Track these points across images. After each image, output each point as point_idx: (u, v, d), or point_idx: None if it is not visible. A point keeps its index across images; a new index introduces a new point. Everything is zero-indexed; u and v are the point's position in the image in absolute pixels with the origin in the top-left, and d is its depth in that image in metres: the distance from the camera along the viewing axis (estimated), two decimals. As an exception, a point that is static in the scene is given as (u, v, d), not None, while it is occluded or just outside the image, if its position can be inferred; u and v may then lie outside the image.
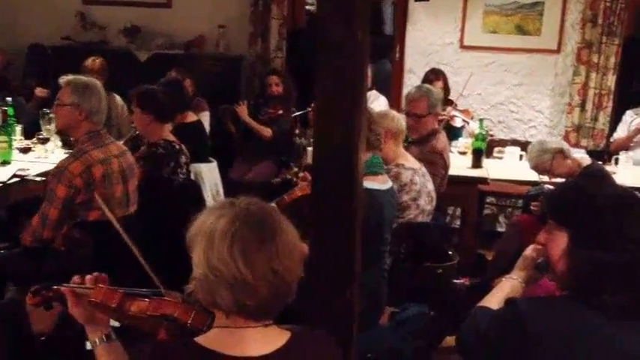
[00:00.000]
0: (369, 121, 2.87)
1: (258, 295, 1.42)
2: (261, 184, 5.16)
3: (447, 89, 5.57)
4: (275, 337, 1.48)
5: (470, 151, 5.01)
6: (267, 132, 5.55)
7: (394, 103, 5.83)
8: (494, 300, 1.95)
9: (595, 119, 5.77)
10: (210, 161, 4.95)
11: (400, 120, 3.65)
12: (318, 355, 1.54)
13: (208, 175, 4.79)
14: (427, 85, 4.49)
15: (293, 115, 5.65)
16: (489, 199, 5.82)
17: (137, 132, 4.12)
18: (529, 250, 2.01)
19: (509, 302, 1.76)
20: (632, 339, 1.64)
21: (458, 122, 5.50)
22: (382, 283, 3.01)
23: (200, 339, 1.46)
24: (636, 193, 4.03)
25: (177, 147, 3.86)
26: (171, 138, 3.89)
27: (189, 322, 1.62)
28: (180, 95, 4.70)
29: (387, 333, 2.85)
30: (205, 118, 5.47)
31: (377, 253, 2.95)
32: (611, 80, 5.70)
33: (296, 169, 3.41)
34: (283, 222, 1.50)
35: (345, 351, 1.99)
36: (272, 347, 1.46)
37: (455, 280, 4.35)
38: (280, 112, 5.61)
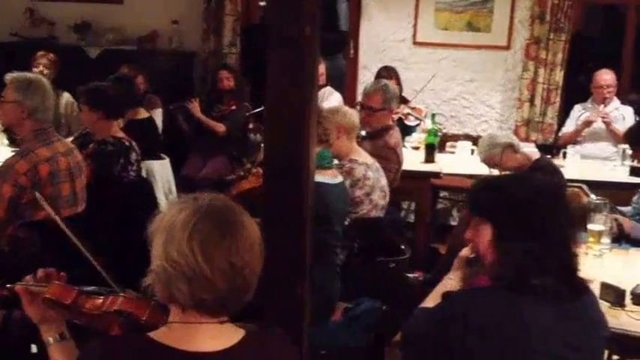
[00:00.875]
0: (318, 115, 2.88)
1: (216, 290, 1.41)
2: (215, 181, 5.12)
3: (399, 87, 5.61)
4: (230, 334, 1.47)
5: (423, 146, 5.06)
6: (220, 128, 5.52)
7: (349, 99, 5.85)
8: (432, 301, 2.00)
9: (544, 114, 5.89)
10: (162, 158, 4.90)
11: (353, 115, 3.66)
12: (273, 353, 1.53)
13: (160, 172, 4.74)
14: (385, 81, 4.52)
15: (249, 114, 5.62)
16: (443, 194, 5.88)
17: (86, 129, 4.05)
18: (464, 251, 2.07)
19: (446, 297, 1.82)
20: (558, 319, 1.71)
21: (411, 120, 5.55)
22: (335, 279, 3.02)
23: (153, 334, 1.45)
24: (583, 186, 4.15)
25: (128, 144, 3.80)
26: (121, 135, 3.84)
27: (144, 318, 1.61)
28: (130, 91, 4.64)
29: (339, 328, 2.86)
30: (158, 114, 5.41)
31: (328, 248, 2.95)
32: (559, 75, 5.82)
33: (249, 165, 3.40)
34: (245, 218, 1.49)
35: (297, 346, 2.00)
36: (226, 344, 1.45)
37: (408, 275, 4.39)
38: (233, 107, 5.59)
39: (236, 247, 1.42)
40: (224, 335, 1.46)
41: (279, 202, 2.08)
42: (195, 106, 5.53)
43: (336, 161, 3.60)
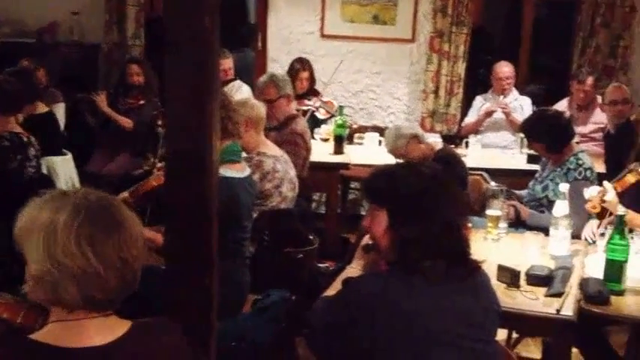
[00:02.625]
0: (227, 108, 2.88)
1: (108, 286, 1.40)
2: (121, 176, 5.02)
3: (312, 79, 5.67)
4: (115, 327, 1.46)
5: (332, 138, 5.13)
6: (127, 123, 5.41)
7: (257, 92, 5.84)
8: (334, 290, 2.06)
9: (448, 105, 6.07)
10: (64, 154, 4.75)
11: (260, 108, 3.67)
12: (161, 344, 1.53)
13: (63, 168, 4.60)
14: (272, 71, 4.55)
15: (157, 111, 5.53)
16: (353, 184, 5.98)
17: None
18: (364, 240, 2.14)
19: (345, 283, 1.88)
20: (451, 298, 1.81)
21: (322, 114, 5.60)
22: (244, 271, 3.03)
23: (35, 335, 1.41)
24: (484, 173, 4.30)
25: (26, 139, 3.68)
26: (19, 130, 3.70)
27: (18, 320, 1.57)
28: (28, 85, 4.46)
29: (249, 320, 2.86)
30: (60, 109, 5.24)
31: (237, 241, 2.96)
32: (461, 68, 6.01)
33: (154, 160, 3.35)
34: (125, 210, 1.49)
35: (204, 340, 2.00)
36: (112, 337, 1.44)
37: (320, 264, 4.45)
38: (142, 102, 5.48)
39: (125, 242, 1.42)
40: (110, 328, 1.45)
41: (184, 196, 2.06)
42: (102, 100, 5.39)
43: (244, 154, 3.61)
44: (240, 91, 5.60)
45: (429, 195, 1.86)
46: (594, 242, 3.13)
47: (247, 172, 3.07)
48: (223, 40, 6.26)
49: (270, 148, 3.65)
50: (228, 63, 5.61)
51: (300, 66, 5.54)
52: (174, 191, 2.03)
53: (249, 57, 6.58)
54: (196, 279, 2.08)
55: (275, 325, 2.88)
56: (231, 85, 5.66)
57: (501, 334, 3.72)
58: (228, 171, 2.81)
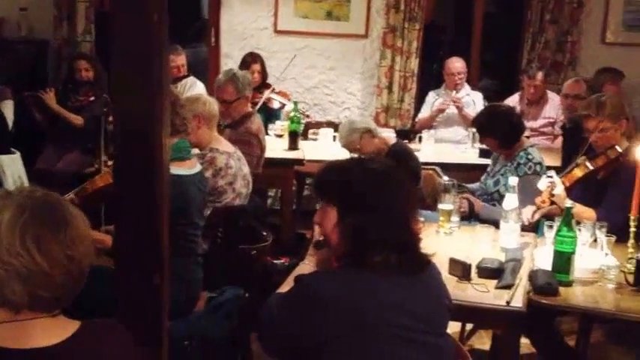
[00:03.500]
0: (174, 105, 2.84)
1: (54, 285, 1.39)
2: (72, 174, 4.93)
3: (264, 73, 5.64)
4: (63, 327, 1.44)
5: (286, 134, 5.12)
6: (77, 120, 5.31)
7: (211, 88, 5.78)
8: (287, 287, 2.06)
9: (401, 100, 6.11)
10: (12, 152, 4.63)
11: (213, 104, 3.64)
12: (109, 345, 1.51)
13: (11, 166, 4.47)
14: (234, 70, 4.50)
15: (107, 108, 5.43)
16: (309, 180, 5.97)
17: None
18: (315, 235, 2.14)
19: (297, 280, 1.88)
20: (401, 292, 1.82)
21: (275, 104, 5.59)
22: (197, 269, 3.00)
23: None
24: (437, 168, 4.35)
25: (-28, 138, 3.58)
26: (-36, 129, 3.61)
27: None
28: (-27, 83, 4.35)
29: (202, 318, 2.85)
30: (8, 106, 5.11)
31: (188, 238, 2.93)
32: (414, 63, 6.06)
33: (104, 158, 3.30)
34: (71, 208, 1.47)
35: (156, 339, 1.97)
36: (59, 338, 1.42)
37: (275, 261, 4.45)
38: (92, 98, 5.38)
39: (71, 239, 1.41)
40: (57, 329, 1.43)
41: (133, 195, 2.03)
42: (50, 97, 5.27)
43: (197, 151, 3.58)
44: (193, 88, 5.55)
45: (378, 190, 1.86)
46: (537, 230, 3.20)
47: (197, 168, 3.04)
48: (176, 36, 6.21)
49: (223, 145, 3.62)
50: (181, 59, 5.55)
51: (251, 59, 5.52)
52: (123, 190, 2.00)
53: (202, 53, 6.52)
54: (146, 278, 2.05)
55: (229, 323, 2.87)
56: (185, 82, 5.61)
57: (454, 327, 3.78)
58: (177, 169, 2.78)
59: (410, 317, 1.81)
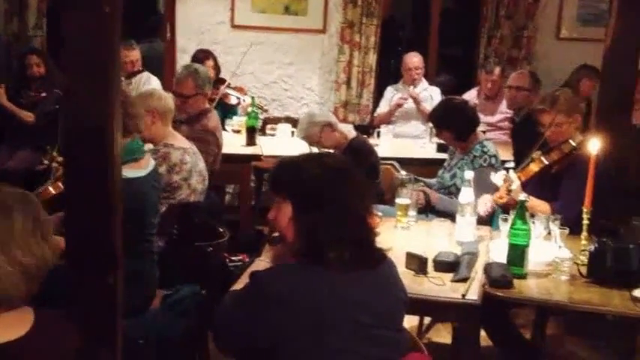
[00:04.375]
0: (125, 104, 2.76)
1: (9, 282, 1.39)
2: (24, 172, 4.82)
3: (217, 68, 5.59)
4: (18, 324, 1.44)
5: (244, 129, 5.08)
6: (29, 117, 5.19)
7: (167, 83, 5.71)
8: (242, 284, 2.04)
9: (360, 96, 6.12)
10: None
11: (167, 99, 3.59)
12: (61, 342, 1.49)
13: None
14: (196, 65, 4.45)
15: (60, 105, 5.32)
16: (267, 176, 5.94)
17: None
18: (272, 230, 2.13)
19: (251, 276, 1.86)
20: (357, 288, 1.81)
21: (233, 100, 5.54)
22: (152, 267, 2.95)
23: None
24: (395, 163, 4.36)
25: None
26: None
27: None
28: None
29: (158, 316, 2.80)
30: (-43, 104, 4.98)
31: (143, 237, 2.88)
32: (372, 58, 6.06)
33: (54, 154, 3.22)
34: (19, 205, 1.47)
35: (110, 338, 1.94)
36: (16, 334, 1.42)
37: (233, 258, 4.41)
38: (44, 94, 5.27)
39: (28, 236, 1.43)
40: (10, 326, 1.42)
41: (85, 194, 1.99)
42: (0, 94, 5.14)
43: (151, 146, 3.52)
44: (148, 83, 5.47)
45: (333, 186, 1.85)
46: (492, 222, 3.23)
47: (151, 166, 2.98)
48: (131, 31, 6.09)
49: (178, 140, 3.57)
50: (135, 54, 5.47)
51: (203, 56, 5.46)
52: (75, 189, 1.96)
53: (158, 48, 6.43)
54: (100, 278, 2.02)
55: (185, 321, 2.83)
56: (139, 77, 5.53)
57: (413, 321, 3.80)
58: (131, 171, 2.72)
59: (368, 313, 1.81)
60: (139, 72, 5.53)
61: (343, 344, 1.77)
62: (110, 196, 1.95)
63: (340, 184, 1.86)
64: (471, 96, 5.73)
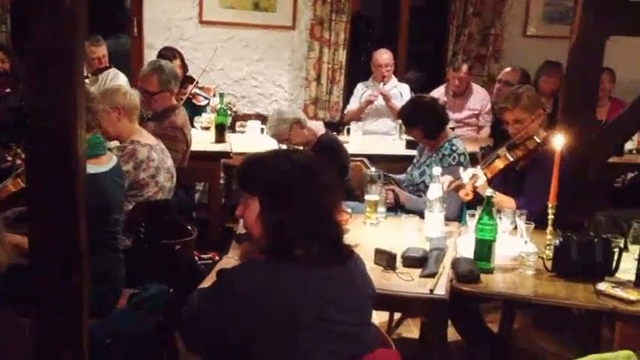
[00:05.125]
0: (89, 99, 2.75)
1: None
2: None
3: (184, 66, 5.54)
4: None
5: (213, 127, 5.04)
6: (-7, 113, 5.10)
7: (134, 80, 5.65)
8: (210, 281, 2.03)
9: (330, 92, 6.12)
10: None
11: (133, 96, 3.55)
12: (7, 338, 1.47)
13: None
14: (161, 61, 4.40)
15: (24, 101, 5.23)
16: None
17: None
18: (238, 228, 2.12)
19: (219, 274, 1.85)
20: (325, 284, 1.82)
21: (202, 101, 5.50)
22: (118, 265, 2.92)
23: None
24: (365, 159, 4.36)
25: None
26: None
27: None
28: None
29: (125, 315, 2.77)
30: None
31: (108, 235, 2.85)
32: (342, 55, 6.07)
33: (18, 151, 3.17)
34: None
35: (76, 339, 1.91)
36: None
37: (203, 256, 4.38)
38: (7, 90, 5.17)
39: None
40: None
41: (47, 191, 1.95)
42: (-38, 90, 5.05)
43: (117, 143, 3.48)
44: (115, 80, 5.41)
45: (301, 183, 1.85)
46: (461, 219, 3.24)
47: (114, 162, 2.95)
48: (97, 27, 6.00)
49: (145, 137, 3.53)
50: (101, 50, 5.41)
51: (169, 53, 5.40)
52: (37, 189, 1.93)
53: (125, 44, 6.36)
54: (64, 277, 1.99)
55: (153, 319, 2.80)
56: (107, 74, 5.47)
57: (382, 317, 3.82)
58: (93, 166, 2.68)
59: (337, 309, 1.81)
60: (106, 68, 5.47)
61: (313, 340, 1.77)
62: (74, 193, 1.93)
63: (308, 181, 1.86)
64: (439, 93, 5.77)
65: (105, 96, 3.42)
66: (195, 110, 5.41)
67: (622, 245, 2.67)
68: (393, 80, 5.83)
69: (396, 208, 3.77)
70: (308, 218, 1.83)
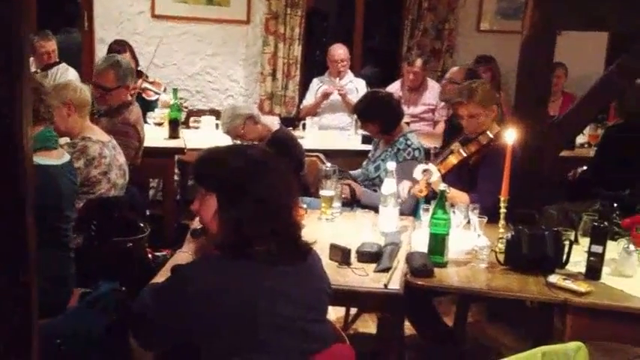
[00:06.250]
0: (38, 92, 2.69)
1: None
2: None
3: (135, 60, 5.45)
4: None
5: (166, 122, 4.98)
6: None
7: (86, 74, 5.54)
8: (163, 277, 2.00)
9: (285, 87, 6.10)
10: None
11: (84, 91, 3.47)
12: None
13: None
14: (117, 56, 4.32)
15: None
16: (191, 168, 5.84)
17: None
18: (194, 222, 2.09)
19: (173, 270, 1.82)
20: (283, 281, 1.80)
21: (152, 95, 5.42)
22: (68, 264, 2.86)
23: None
24: (321, 155, 4.34)
25: None
26: None
27: None
28: None
29: (76, 315, 2.71)
30: None
31: (58, 233, 2.79)
32: (297, 50, 6.05)
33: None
34: None
35: (25, 340, 1.86)
36: None
37: (157, 253, 4.32)
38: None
39: None
40: None
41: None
42: None
43: (67, 139, 3.41)
44: (65, 75, 5.29)
45: (259, 179, 1.83)
46: (416, 214, 3.26)
47: (66, 158, 2.88)
48: (47, 21, 5.85)
49: (97, 133, 3.46)
50: (51, 45, 5.28)
51: (119, 47, 5.31)
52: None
53: (75, 38, 6.23)
54: (12, 276, 1.93)
55: (105, 318, 2.75)
56: (57, 69, 5.35)
57: (339, 312, 3.82)
58: (44, 159, 2.63)
59: (295, 306, 1.80)
60: (56, 63, 5.35)
61: (271, 338, 1.75)
62: (20, 189, 1.87)
63: (265, 178, 1.83)
64: (394, 88, 5.79)
65: (55, 91, 3.34)
66: (145, 105, 5.32)
67: (572, 238, 2.71)
68: (349, 75, 5.84)
69: (352, 203, 3.77)
70: (266, 215, 1.80)
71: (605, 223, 2.61)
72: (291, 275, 1.83)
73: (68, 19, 6.61)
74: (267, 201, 1.81)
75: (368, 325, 3.88)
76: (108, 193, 3.40)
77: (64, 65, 5.41)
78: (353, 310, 3.92)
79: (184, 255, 2.13)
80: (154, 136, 4.75)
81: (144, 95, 5.32)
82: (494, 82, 5.81)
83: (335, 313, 3.78)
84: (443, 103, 5.77)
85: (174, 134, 4.82)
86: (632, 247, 2.67)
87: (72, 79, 5.08)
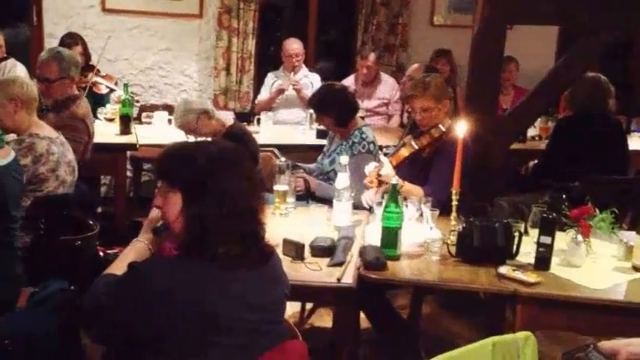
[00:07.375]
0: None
1: None
2: None
3: (87, 54, 5.35)
4: None
5: (118, 118, 4.89)
6: None
7: (34, 70, 5.39)
8: (119, 266, 1.94)
9: (240, 82, 6.06)
10: None
11: (31, 87, 3.39)
12: None
13: None
14: (59, 48, 4.22)
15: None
16: (146, 166, 5.78)
17: None
18: (154, 212, 2.02)
19: (131, 266, 1.78)
20: (243, 285, 1.76)
21: (103, 89, 5.32)
22: (16, 264, 2.80)
23: None
24: (275, 149, 4.33)
25: None
26: None
27: None
28: None
29: (24, 315, 2.66)
30: None
31: (5, 233, 2.72)
32: (251, 44, 6.02)
33: None
34: None
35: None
36: None
37: (108, 251, 4.25)
38: None
39: None
40: None
41: None
42: None
43: (14, 136, 3.32)
44: (14, 70, 5.16)
45: (226, 177, 1.77)
46: (371, 208, 3.26)
47: (12, 156, 2.81)
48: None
49: (44, 130, 3.37)
50: (-2, 40, 5.15)
51: (71, 40, 5.21)
52: None
53: (23, 33, 6.08)
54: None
55: (55, 317, 2.70)
56: (4, 64, 5.21)
57: (294, 307, 3.82)
58: (-13, 159, 2.57)
59: (255, 309, 1.77)
60: (4, 59, 5.22)
61: (222, 341, 1.72)
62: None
63: (233, 174, 1.78)
64: (349, 82, 5.81)
65: (1, 87, 3.27)
66: (97, 100, 5.22)
67: (522, 229, 2.75)
68: (304, 70, 5.83)
69: (306, 196, 3.76)
70: (231, 215, 1.75)
71: (554, 215, 2.66)
72: (252, 279, 1.79)
73: (16, 14, 6.44)
74: (231, 201, 1.75)
75: (324, 319, 3.89)
76: (56, 190, 3.32)
77: (12, 60, 5.27)
78: (309, 305, 3.92)
79: (140, 244, 2.05)
80: (105, 131, 4.67)
81: (95, 89, 5.22)
82: (453, 75, 5.88)
83: (291, 309, 3.78)
84: (397, 97, 5.82)
85: (125, 130, 4.74)
86: (580, 237, 2.72)
87: (20, 74, 4.95)
